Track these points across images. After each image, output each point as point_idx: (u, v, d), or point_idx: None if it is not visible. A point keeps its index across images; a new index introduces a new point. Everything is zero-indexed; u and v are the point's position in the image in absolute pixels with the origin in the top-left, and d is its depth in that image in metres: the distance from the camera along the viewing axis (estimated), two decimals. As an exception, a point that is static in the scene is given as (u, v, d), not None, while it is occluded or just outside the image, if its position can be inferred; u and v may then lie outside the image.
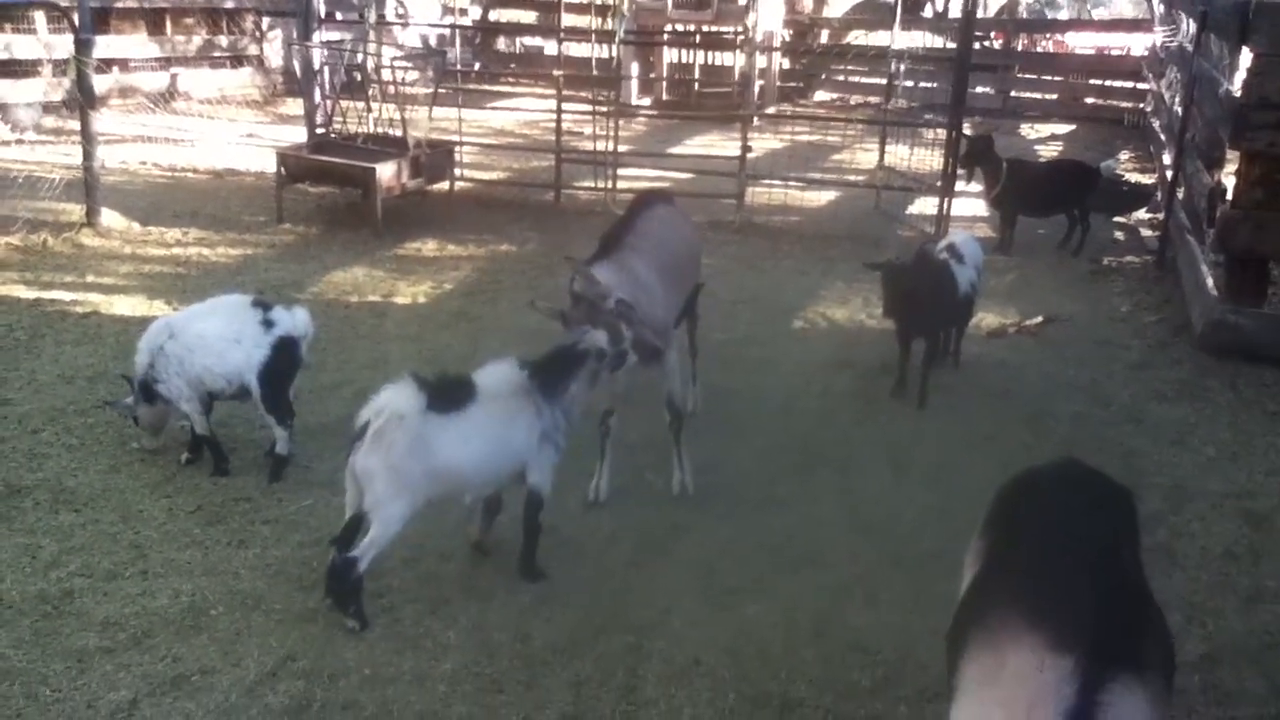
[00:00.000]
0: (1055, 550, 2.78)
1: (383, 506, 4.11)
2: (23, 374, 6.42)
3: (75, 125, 9.83)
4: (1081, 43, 22.21)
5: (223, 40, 17.10)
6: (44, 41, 14.21)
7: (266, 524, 4.99)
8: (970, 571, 3.09)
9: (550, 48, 19.86)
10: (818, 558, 4.92)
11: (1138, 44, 19.70)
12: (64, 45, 12.31)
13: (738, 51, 17.27)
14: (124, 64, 15.72)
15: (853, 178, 12.67)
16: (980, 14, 18.86)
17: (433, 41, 18.01)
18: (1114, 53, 20.93)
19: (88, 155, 9.31)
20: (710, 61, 19.39)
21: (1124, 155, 15.09)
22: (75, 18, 9.34)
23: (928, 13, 19.99)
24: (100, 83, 12.77)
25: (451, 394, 4.25)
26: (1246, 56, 7.80)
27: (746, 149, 10.66)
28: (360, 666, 4.04)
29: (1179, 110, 10.37)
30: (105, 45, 14.51)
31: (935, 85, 14.67)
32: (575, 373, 4.47)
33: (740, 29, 16.53)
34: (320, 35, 11.61)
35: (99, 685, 3.87)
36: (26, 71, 14.10)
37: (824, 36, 20.52)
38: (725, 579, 4.72)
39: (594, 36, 12.00)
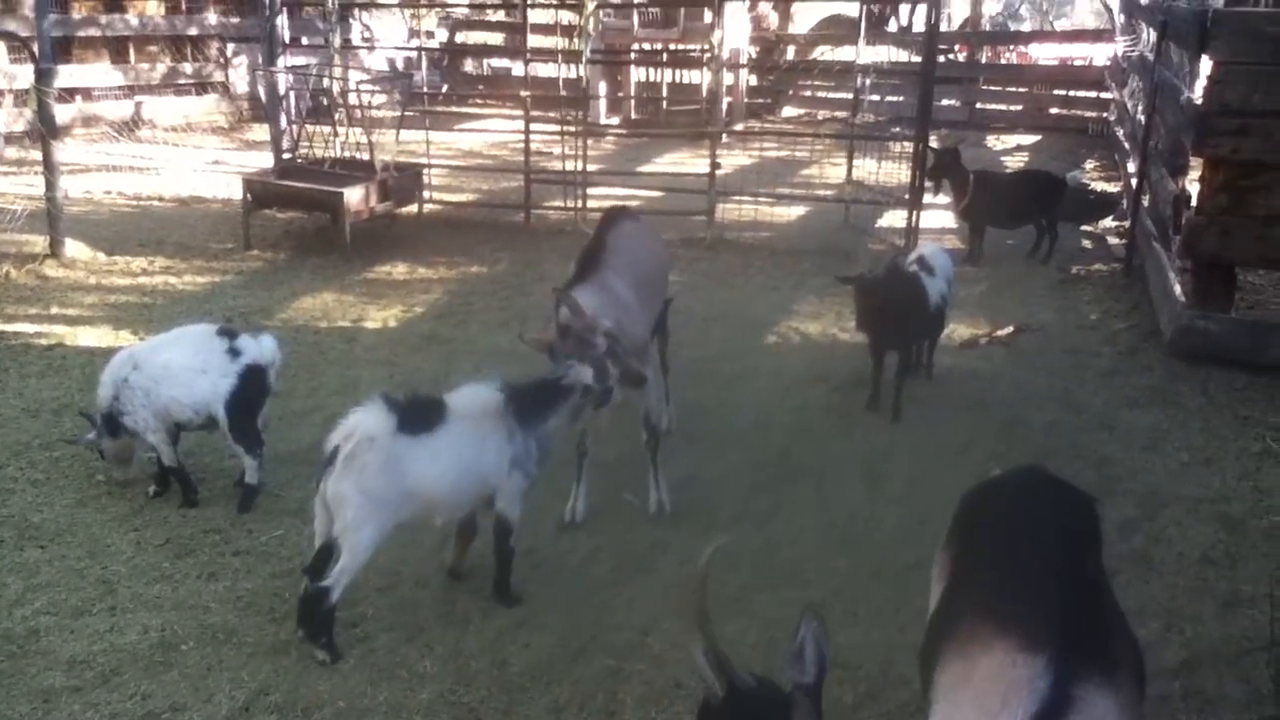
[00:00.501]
0: (1020, 559, 2.77)
1: (353, 532, 4.05)
2: (-14, 408, 6.32)
3: (38, 155, 9.72)
4: (1045, 54, 22.42)
5: (187, 67, 16.99)
6: (4, 71, 14.07)
7: (237, 555, 4.91)
8: (938, 586, 3.07)
9: (517, 69, 19.85)
10: (796, 573, 4.89)
11: (1100, 54, 19.91)
12: (25, 75, 12.18)
13: (705, 69, 17.31)
14: (87, 93, 15.60)
15: (822, 192, 12.72)
16: (944, 27, 19.04)
17: (399, 64, 17.99)
18: (1077, 63, 21.14)
19: (50, 185, 9.20)
20: (678, 79, 19.46)
21: (1089, 164, 15.23)
22: (35, 47, 9.26)
23: (892, 27, 20.10)
24: (63, 112, 12.69)
25: (422, 415, 4.19)
26: (1207, 64, 7.88)
27: (716, 166, 10.67)
28: (335, 699, 3.97)
29: (1142, 119, 10.48)
30: (68, 74, 14.40)
31: (901, 99, 14.75)
32: (557, 406, 4.42)
33: (706, 47, 16.53)
34: (285, 60, 11.55)
35: (66, 726, 3.78)
36: (-13, 102, 13.97)
37: (790, 53, 20.63)
38: (704, 598, 4.68)
39: (561, 57, 11.99)
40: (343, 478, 4.02)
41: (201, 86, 17.18)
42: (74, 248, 9.43)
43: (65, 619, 4.38)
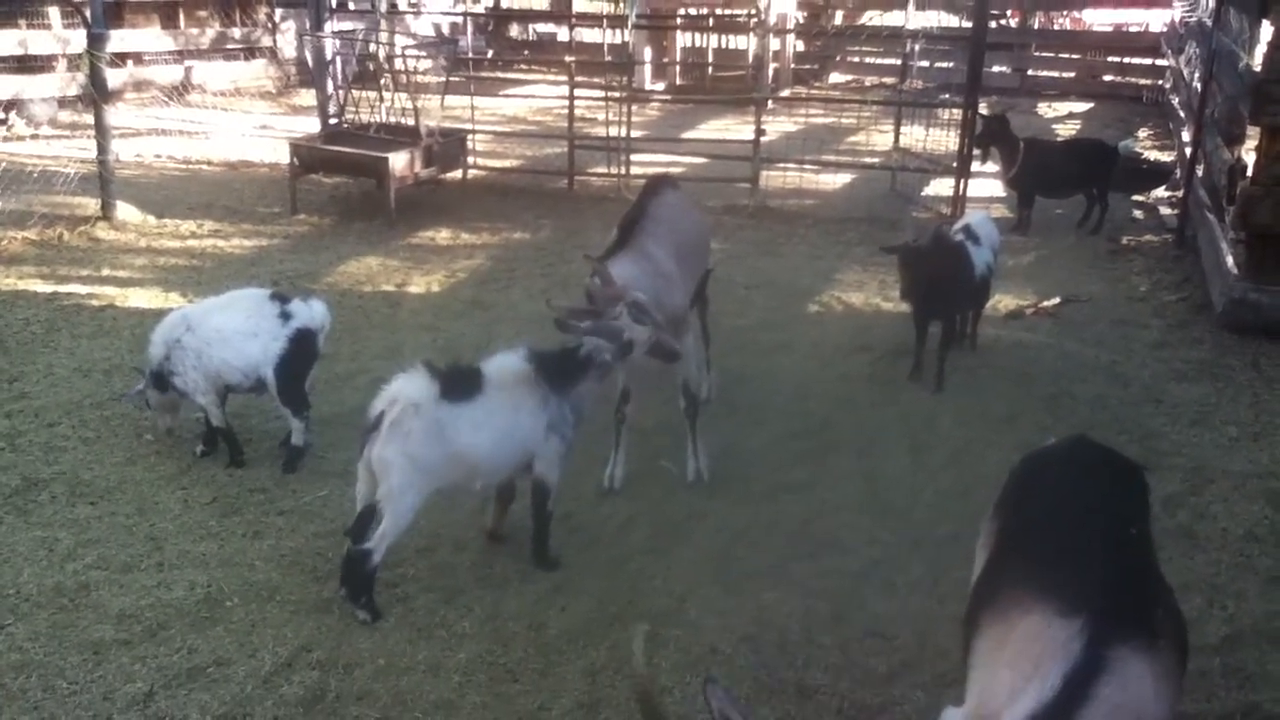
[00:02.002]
0: (1064, 526, 2.76)
1: (396, 497, 4.12)
2: (39, 368, 6.45)
3: (90, 119, 9.86)
4: (1099, 19, 21.92)
5: (236, 32, 17.11)
6: (59, 36, 14.25)
7: (281, 515, 5.00)
8: (982, 554, 3.06)
9: (563, 34, 19.77)
10: (835, 543, 4.89)
11: (1156, 20, 19.46)
12: (78, 40, 12.32)
13: (751, 34, 17.14)
14: (138, 57, 15.76)
15: (868, 160, 12.58)
16: (996, -8, 18.67)
17: (445, 29, 17.97)
18: (1132, 29, 20.67)
19: (102, 149, 9.34)
20: (723, 45, 19.27)
21: (1143, 133, 14.92)
22: (88, 12, 9.36)
23: (942, -9, 19.77)
24: (114, 76, 12.83)
25: (462, 383, 4.26)
26: (1267, 30, 7.69)
27: (761, 132, 10.59)
28: (375, 657, 4.04)
29: (1198, 86, 10.23)
30: (119, 39, 14.54)
31: (951, 65, 14.52)
32: (583, 373, 4.46)
33: (753, 12, 16.39)
34: (332, 25, 11.59)
35: (115, 677, 3.88)
36: (42, 66, 14.15)
37: (838, 18, 20.35)
38: (742, 565, 4.70)
39: (606, 22, 11.95)
40: (388, 443, 4.08)
41: (250, 51, 17.30)
42: (125, 211, 9.57)
43: (115, 574, 4.49)
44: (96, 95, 9.41)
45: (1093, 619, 2.32)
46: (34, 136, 13.04)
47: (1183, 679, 2.62)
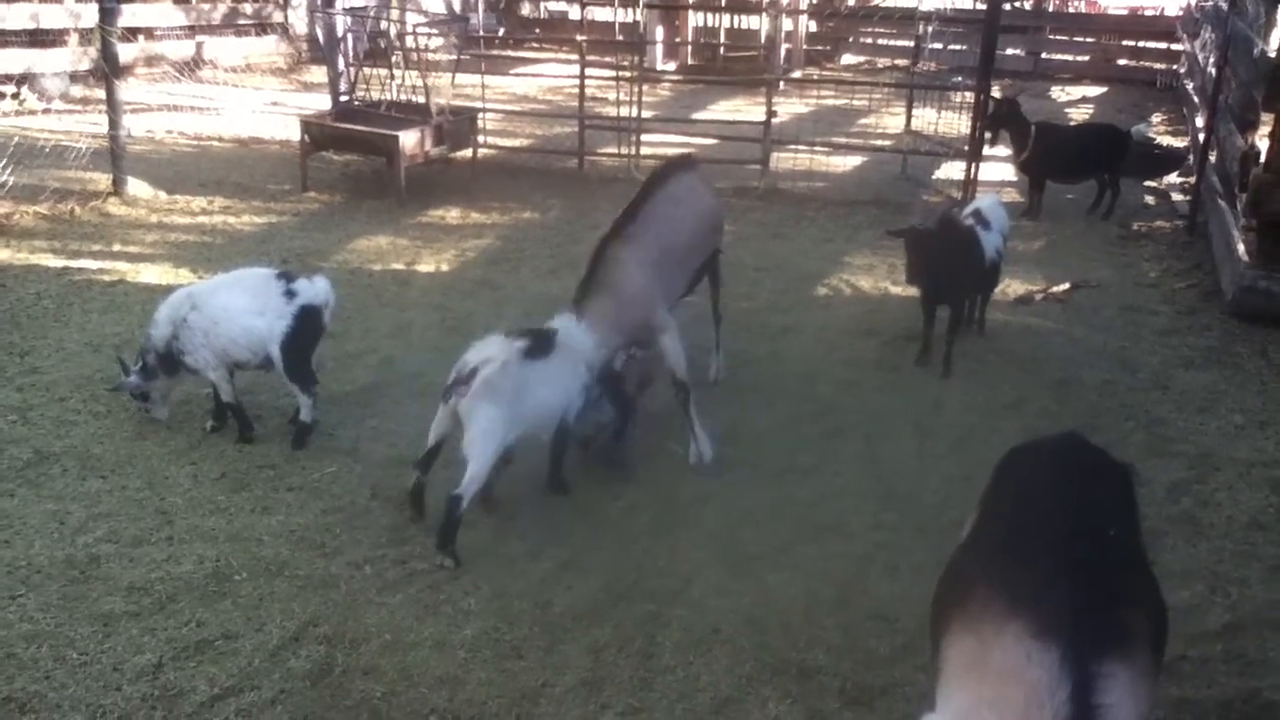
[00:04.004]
0: (1042, 531, 2.74)
1: (481, 443, 4.54)
2: (51, 342, 6.49)
3: (102, 94, 9.87)
4: (1114, 2, 21.81)
5: (248, 8, 17.09)
6: (70, 10, 14.24)
7: (290, 491, 5.03)
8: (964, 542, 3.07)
9: (574, 12, 19.70)
10: (840, 526, 4.91)
11: (1172, 3, 19.33)
12: (90, 14, 12.31)
13: (763, 15, 17.08)
14: (150, 32, 15.75)
15: (879, 142, 12.55)
16: (1011, -26, 18.57)
17: (456, 7, 17.94)
18: (1147, 13, 20.56)
19: (114, 124, 9.36)
20: (736, 25, 19.19)
21: (1156, 118, 14.86)
22: (100, -14, 9.36)
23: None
24: (126, 51, 12.83)
25: (540, 345, 4.80)
26: (1283, 16, 7.64)
27: (772, 114, 10.57)
28: (381, 632, 4.07)
29: (1213, 72, 10.18)
30: (131, 14, 14.54)
31: (964, 48, 14.45)
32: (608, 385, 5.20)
33: (766, -8, 16.34)
34: (344, 2, 11.57)
35: (125, 648, 3.93)
36: (54, 41, 14.15)
37: (851, -1, 20.25)
38: (747, 547, 4.73)
39: (618, 1, 11.89)
40: (479, 396, 4.54)
41: (261, 27, 17.28)
42: (136, 186, 9.59)
43: (125, 547, 4.53)
44: (108, 70, 9.42)
45: (1070, 651, 2.32)
46: (46, 111, 13.05)
47: (1159, 668, 2.64)
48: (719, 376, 6.27)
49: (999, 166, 10.84)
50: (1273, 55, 7.46)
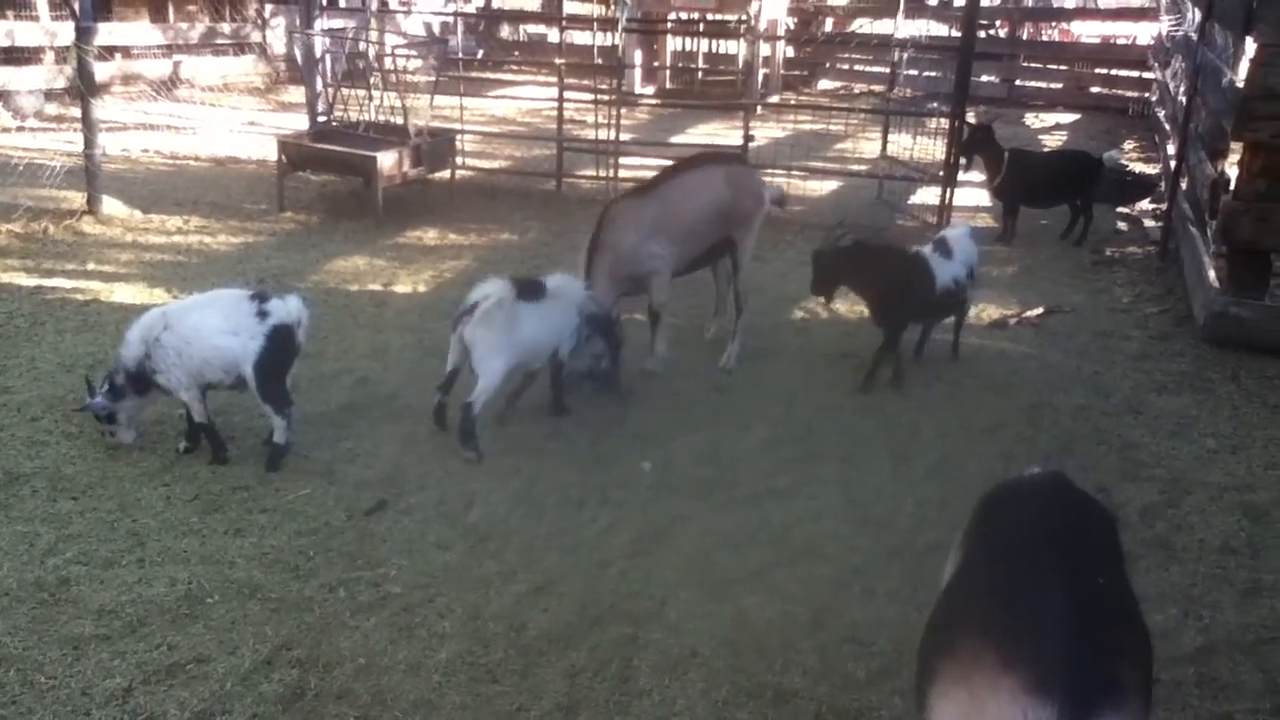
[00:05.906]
0: (1029, 579, 2.71)
1: (485, 362, 5.52)
2: (22, 361, 6.43)
3: (77, 112, 9.83)
4: (1087, 31, 22.10)
5: (225, 27, 17.08)
6: (46, 28, 14.20)
7: (264, 513, 4.99)
8: (948, 580, 3.04)
9: (553, 35, 19.78)
10: (817, 549, 4.91)
11: (1144, 33, 19.60)
12: (66, 32, 12.28)
13: (741, 40, 17.21)
14: (126, 51, 15.71)
15: (856, 167, 12.63)
16: (985, 2, 18.79)
17: (436, 29, 17.97)
18: (1120, 41, 20.83)
19: (89, 143, 9.32)
20: (714, 50, 19.33)
21: (1128, 145, 15.03)
22: (77, 5, 9.33)
23: (933, 0, 19.86)
24: (103, 70, 12.78)
25: (533, 290, 5.71)
26: (1251, 47, 7.75)
27: (749, 138, 10.63)
28: (355, 655, 4.04)
29: (1183, 100, 10.32)
30: (108, 32, 14.51)
31: (939, 74, 14.61)
32: (600, 325, 6.04)
33: (744, 17, 16.45)
34: (322, 23, 11.58)
35: (94, 672, 3.87)
36: (29, 58, 14.10)
37: (828, 24, 20.44)
38: (723, 570, 4.72)
39: (597, 24, 11.95)
40: (479, 325, 5.49)
41: (239, 47, 17.29)
42: (111, 205, 9.54)
43: (95, 569, 4.48)
44: (84, 88, 9.38)
45: (1069, 709, 2.30)
46: (20, 129, 12.99)
47: (1150, 710, 2.63)
48: (730, 364, 6.86)
49: (973, 192, 10.92)
50: (1241, 85, 7.56)
